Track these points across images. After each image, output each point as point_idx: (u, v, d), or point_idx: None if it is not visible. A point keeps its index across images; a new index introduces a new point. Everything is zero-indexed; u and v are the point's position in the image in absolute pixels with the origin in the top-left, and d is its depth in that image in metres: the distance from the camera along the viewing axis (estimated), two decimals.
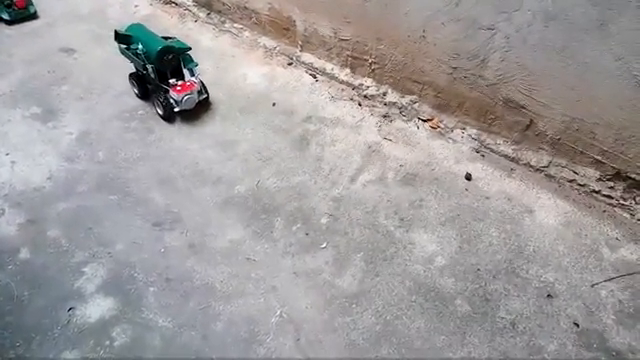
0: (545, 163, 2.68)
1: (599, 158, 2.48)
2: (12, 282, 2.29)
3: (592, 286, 2.17)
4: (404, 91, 3.20)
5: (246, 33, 4.01)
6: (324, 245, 2.45)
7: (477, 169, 2.79)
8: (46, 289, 2.27)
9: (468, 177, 2.74)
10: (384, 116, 3.20)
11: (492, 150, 2.86)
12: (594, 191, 2.53)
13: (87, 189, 2.78)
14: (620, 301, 2.12)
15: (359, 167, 2.88)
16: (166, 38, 3.14)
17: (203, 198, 2.73)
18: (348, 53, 3.36)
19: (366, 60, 3.28)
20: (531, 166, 2.72)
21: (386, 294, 2.22)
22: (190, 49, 3.08)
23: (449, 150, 2.94)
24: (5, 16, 3.91)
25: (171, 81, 3.03)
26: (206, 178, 2.84)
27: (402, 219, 2.56)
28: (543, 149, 2.69)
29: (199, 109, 3.35)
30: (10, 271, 2.34)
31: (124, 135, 3.16)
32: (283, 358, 2.01)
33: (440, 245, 2.42)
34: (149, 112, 3.34)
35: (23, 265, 2.37)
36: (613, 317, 2.07)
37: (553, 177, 2.66)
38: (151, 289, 2.28)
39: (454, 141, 2.98)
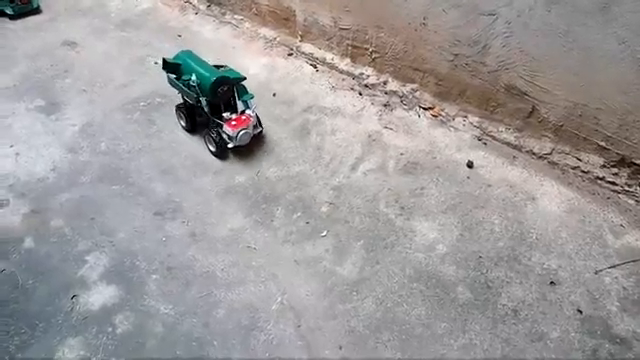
0: (548, 150, 2.63)
1: (603, 144, 2.43)
2: (16, 271, 2.29)
3: (596, 273, 2.13)
4: (405, 80, 3.15)
5: (246, 24, 3.97)
6: (324, 233, 2.42)
7: (479, 157, 2.75)
8: (50, 277, 2.27)
9: (470, 165, 2.70)
10: (385, 105, 3.16)
11: (494, 138, 2.81)
12: (598, 178, 2.48)
13: (90, 180, 2.77)
14: (624, 288, 2.07)
15: (359, 156, 2.84)
16: (218, 67, 2.81)
17: (204, 188, 2.71)
18: (348, 42, 3.31)
19: (366, 49, 3.23)
20: (534, 153, 2.67)
21: (386, 281, 2.20)
22: (245, 79, 2.77)
23: (450, 138, 2.89)
24: (9, 11, 3.91)
25: (225, 115, 2.69)
26: (207, 168, 2.82)
27: (403, 207, 2.52)
28: (546, 136, 2.64)
29: None
30: (15, 260, 2.34)
31: (126, 126, 3.15)
32: (284, 345, 1.99)
33: (441, 233, 2.38)
34: (151, 104, 3.32)
35: (27, 254, 2.37)
36: (617, 304, 2.02)
37: (556, 164, 2.61)
38: (153, 277, 2.27)
39: (456, 129, 2.93)
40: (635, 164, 2.34)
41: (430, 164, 2.74)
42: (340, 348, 1.97)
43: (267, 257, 2.33)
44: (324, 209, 2.54)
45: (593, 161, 2.49)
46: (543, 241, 2.28)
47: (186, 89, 2.69)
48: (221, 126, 2.70)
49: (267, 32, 3.84)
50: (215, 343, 2.01)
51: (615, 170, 2.43)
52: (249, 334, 2.04)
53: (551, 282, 2.11)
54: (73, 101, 3.35)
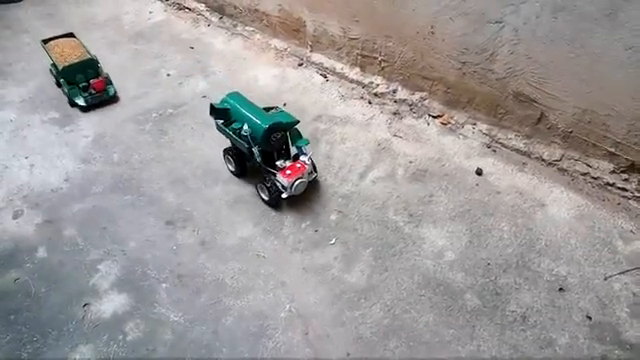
0: (557, 157, 2.67)
1: (612, 150, 2.46)
2: (30, 279, 2.39)
3: (605, 279, 2.15)
4: (414, 88, 3.22)
5: (257, 36, 4.09)
6: (333, 241, 2.48)
7: (488, 164, 2.79)
8: (62, 286, 2.36)
9: (479, 172, 2.74)
10: (394, 113, 3.23)
11: (503, 145, 2.86)
12: (608, 184, 2.51)
13: (102, 190, 2.88)
14: (634, 294, 2.09)
15: (368, 164, 2.91)
16: (268, 109, 2.68)
17: (214, 197, 2.80)
18: (357, 52, 3.40)
19: (375, 58, 3.32)
20: (543, 160, 2.71)
21: (395, 289, 2.24)
22: (298, 122, 2.59)
23: (460, 146, 2.94)
24: (80, 102, 3.37)
25: (278, 163, 2.56)
26: (217, 178, 2.91)
27: (411, 215, 2.57)
28: (555, 142, 2.68)
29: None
30: (28, 269, 2.44)
31: (138, 137, 3.26)
32: (292, 352, 2.04)
33: (450, 240, 2.42)
34: (162, 115, 3.44)
35: (40, 263, 2.47)
36: (627, 310, 2.04)
37: (566, 170, 2.64)
38: (163, 285, 2.35)
39: (465, 137, 2.98)
40: None
41: (439, 171, 2.79)
42: (348, 355, 2.02)
43: (276, 265, 2.40)
44: (333, 217, 2.60)
45: (603, 167, 2.52)
46: (552, 247, 2.31)
47: (237, 138, 2.54)
48: (274, 174, 2.55)
49: (278, 43, 3.96)
50: (224, 350, 2.07)
51: (625, 176, 2.45)
52: (258, 341, 2.10)
53: (560, 288, 2.14)
54: (86, 114, 3.48)
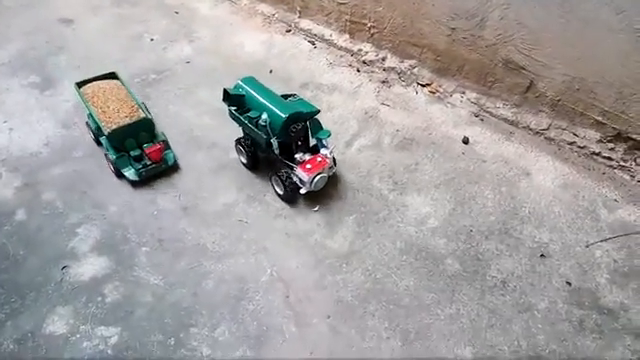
0: (545, 126, 2.65)
1: (600, 119, 2.44)
2: (8, 242, 2.36)
3: (587, 246, 2.16)
4: (403, 55, 3.17)
5: (244, 1, 3.99)
6: (317, 208, 2.46)
7: (475, 133, 2.77)
8: (41, 249, 2.33)
9: (465, 141, 2.72)
10: (383, 82, 3.18)
11: (491, 114, 2.83)
12: (594, 153, 2.50)
13: (83, 154, 2.83)
14: (615, 260, 2.11)
15: (355, 132, 2.87)
16: (285, 97, 2.48)
17: (197, 163, 2.76)
18: (347, 17, 3.33)
19: (365, 24, 3.25)
20: (530, 129, 2.69)
21: (377, 254, 2.24)
22: (319, 111, 2.40)
23: (447, 115, 2.91)
24: (131, 176, 2.55)
25: (297, 156, 2.37)
26: (201, 144, 2.86)
27: (396, 182, 2.56)
28: (543, 111, 2.65)
29: (194, 76, 3.37)
30: (6, 232, 2.41)
31: None
32: (272, 314, 2.05)
33: (433, 207, 2.42)
34: (145, 80, 3.37)
35: (19, 226, 2.43)
36: (607, 276, 2.06)
37: (553, 140, 2.63)
38: (143, 249, 2.33)
39: (453, 105, 2.95)
40: (631, 139, 2.36)
41: (426, 140, 2.77)
42: (328, 317, 2.02)
43: (259, 230, 2.38)
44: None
45: (590, 136, 2.50)
46: (535, 215, 2.32)
47: (253, 127, 2.33)
48: (292, 168, 2.36)
49: (265, 8, 3.87)
50: (203, 312, 2.07)
51: (611, 145, 2.44)
52: (238, 304, 2.10)
53: (541, 255, 2.15)
54: (67, 77, 3.39)
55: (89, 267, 2.26)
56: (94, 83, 2.77)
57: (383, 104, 3.02)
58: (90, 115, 2.64)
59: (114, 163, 2.55)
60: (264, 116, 2.29)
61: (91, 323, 2.05)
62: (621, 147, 2.41)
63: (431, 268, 2.16)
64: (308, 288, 2.14)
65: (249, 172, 2.66)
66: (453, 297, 2.04)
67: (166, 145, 2.65)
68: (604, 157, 2.47)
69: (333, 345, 1.93)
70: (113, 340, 1.99)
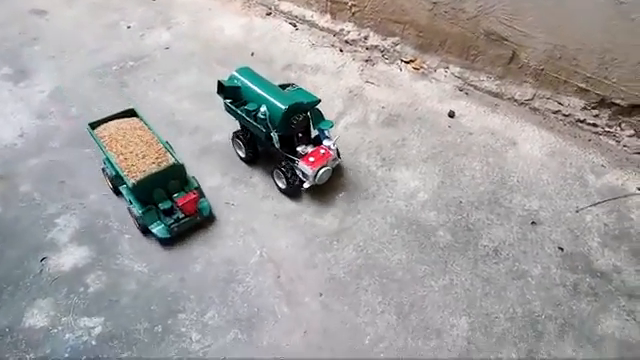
0: (529, 96, 2.60)
1: (583, 86, 2.39)
2: None
3: (577, 211, 2.11)
4: (386, 33, 3.08)
5: None
6: (305, 186, 2.37)
7: (460, 107, 2.71)
8: (18, 241, 2.20)
9: (451, 115, 2.66)
10: (366, 60, 3.09)
11: (476, 87, 2.77)
12: (579, 120, 2.45)
13: (59, 144, 2.69)
14: (605, 224, 2.06)
15: (341, 111, 2.78)
16: (283, 87, 2.34)
17: (180, 148, 2.61)
18: None
19: (345, 3, 3.15)
20: (515, 100, 2.64)
21: (367, 230, 2.16)
22: (320, 101, 2.24)
23: (432, 90, 2.84)
24: (162, 233, 2.10)
25: (299, 149, 2.23)
26: (182, 128, 2.75)
27: (384, 158, 2.48)
28: (527, 82, 2.60)
29: (173, 62, 3.24)
30: None
31: (98, 90, 3.05)
32: (263, 295, 1.95)
33: (422, 181, 2.35)
34: (123, 67, 3.23)
35: None
36: (598, 240, 2.01)
37: (537, 109, 2.57)
38: (126, 236, 2.22)
39: (437, 81, 2.88)
40: (615, 104, 2.32)
41: (412, 116, 2.70)
42: (320, 295, 1.94)
43: (246, 212, 2.28)
44: None
45: (574, 104, 2.46)
46: (524, 184, 2.26)
47: (251, 121, 2.18)
48: (294, 161, 2.21)
49: None
50: (192, 297, 1.97)
51: (596, 112, 2.40)
52: (227, 286, 2.00)
53: (532, 222, 2.09)
54: (42, 68, 3.24)
55: (69, 257, 2.14)
56: (110, 123, 2.34)
57: (367, 82, 2.93)
58: (107, 160, 2.21)
59: (140, 219, 2.10)
60: (263, 109, 2.12)
61: (73, 314, 1.93)
62: (605, 113, 2.37)
63: (423, 241, 2.09)
64: (299, 267, 2.05)
65: (233, 155, 2.55)
66: (446, 268, 1.98)
67: (200, 192, 2.21)
68: (589, 124, 2.43)
69: (326, 322, 1.84)
70: (97, 330, 1.88)
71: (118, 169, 2.09)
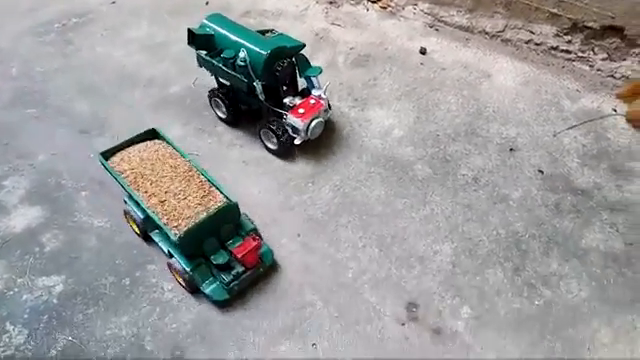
0: (501, 27, 2.60)
1: (555, 11, 2.41)
2: None
3: (554, 135, 2.15)
4: None
5: None
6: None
7: (432, 43, 2.69)
8: None
9: (423, 51, 2.64)
10: (330, 2, 3.02)
11: (446, 23, 2.75)
12: (552, 48, 2.48)
13: (1, 106, 2.54)
14: (583, 145, 2.11)
15: (308, 55, 2.68)
16: (262, 33, 2.11)
17: (134, 102, 2.53)
18: None
19: None
20: (486, 33, 2.64)
21: (343, 170, 2.14)
22: (304, 46, 2.05)
23: (401, 28, 2.81)
24: (218, 295, 1.69)
25: (287, 101, 2.02)
26: (135, 82, 2.63)
27: (356, 99, 2.45)
28: (498, 13, 2.59)
29: (121, 16, 3.09)
30: None
31: (39, 49, 2.89)
32: None
33: (397, 118, 2.33)
34: (66, 25, 3.06)
35: None
36: (577, 160, 2.06)
37: (509, 41, 2.59)
38: (83, 193, 2.12)
39: (406, 19, 2.85)
40: (587, 27, 2.34)
41: (382, 55, 2.66)
42: (298, 235, 1.91)
43: (213, 161, 2.21)
44: None
45: (546, 31, 2.47)
46: (500, 113, 2.28)
47: (229, 71, 1.95)
48: (283, 116, 2.00)
49: None
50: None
51: (568, 38, 2.42)
52: None
53: (510, 149, 2.12)
54: None
55: (21, 219, 2.03)
56: (129, 151, 1.85)
57: (333, 24, 2.88)
58: (130, 199, 1.79)
59: (190, 278, 1.68)
60: (242, 54, 1.93)
61: (30, 275, 1.84)
62: (578, 38, 2.40)
63: (401, 175, 2.08)
64: (273, 211, 2.01)
65: (194, 106, 2.47)
66: (426, 199, 1.98)
67: (257, 234, 1.80)
68: (562, 51, 2.46)
69: (307, 260, 1.82)
70: (58, 289, 1.80)
71: (154, 218, 1.66)
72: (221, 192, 1.72)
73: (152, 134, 1.92)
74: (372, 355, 1.58)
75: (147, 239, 1.86)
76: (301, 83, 2.19)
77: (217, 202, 1.70)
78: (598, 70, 2.37)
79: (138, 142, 1.88)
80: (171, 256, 1.70)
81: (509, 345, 1.57)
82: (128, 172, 1.77)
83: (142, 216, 1.76)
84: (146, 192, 1.71)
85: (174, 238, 1.60)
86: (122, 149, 1.86)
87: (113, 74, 2.67)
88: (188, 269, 1.65)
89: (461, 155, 2.13)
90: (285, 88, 2.10)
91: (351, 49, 2.72)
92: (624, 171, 1.98)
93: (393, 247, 1.84)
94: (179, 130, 2.37)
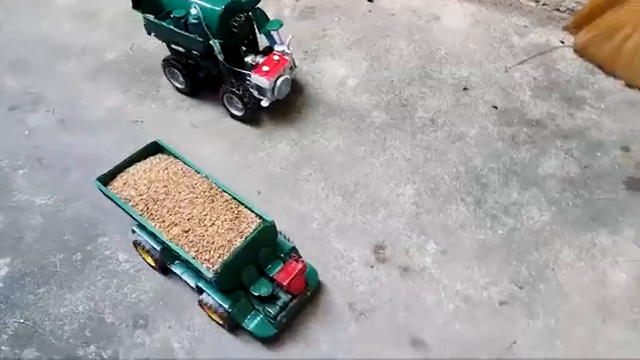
0: None
1: None
2: None
3: (506, 71, 2.20)
4: None
5: None
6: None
7: None
8: None
9: None
10: None
11: None
12: None
13: None
14: (535, 78, 2.17)
15: None
16: None
17: (67, 72, 2.40)
18: None
19: None
20: None
21: (299, 124, 2.11)
22: (260, 0, 1.89)
23: None
24: (263, 331, 1.50)
25: (248, 59, 1.89)
26: (67, 52, 2.48)
27: (306, 51, 2.41)
28: None
29: None
30: None
31: None
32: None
33: (350, 68, 2.32)
34: None
35: None
36: (530, 93, 2.12)
37: None
38: (20, 172, 2.01)
39: None
40: None
41: (329, 5, 2.63)
42: (259, 193, 1.89)
43: (159, 127, 2.14)
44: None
45: None
46: (452, 55, 2.31)
47: (182, 32, 1.79)
48: (247, 77, 1.86)
49: None
50: (112, 219, 1.83)
51: None
52: None
53: (464, 88, 2.16)
54: None
55: None
56: (132, 171, 1.60)
57: None
58: (140, 228, 1.53)
59: (230, 316, 1.45)
60: (194, 11, 1.78)
61: None
62: None
63: (358, 124, 2.08)
64: (229, 171, 1.97)
65: (133, 71, 2.37)
66: (385, 145, 2.00)
67: (297, 254, 1.55)
68: None
69: (270, 215, 1.80)
70: (3, 272, 1.72)
71: (179, 252, 1.40)
72: (251, 211, 1.50)
73: (154, 148, 1.68)
74: (345, 300, 1.59)
75: (167, 272, 1.62)
76: (261, 41, 2.07)
77: (251, 224, 1.49)
78: (544, 5, 2.43)
79: (140, 159, 1.63)
80: (201, 291, 1.47)
81: (476, 274, 1.62)
82: (135, 198, 1.53)
83: (159, 248, 1.51)
84: (163, 222, 1.47)
85: (209, 275, 1.38)
86: (122, 170, 1.61)
87: (42, 47, 2.52)
88: (226, 306, 1.44)
89: (417, 99, 2.15)
90: (245, 48, 1.99)
91: (296, 2, 2.66)
92: (575, 99, 2.06)
93: (356, 194, 1.85)
94: (119, 98, 2.28)
